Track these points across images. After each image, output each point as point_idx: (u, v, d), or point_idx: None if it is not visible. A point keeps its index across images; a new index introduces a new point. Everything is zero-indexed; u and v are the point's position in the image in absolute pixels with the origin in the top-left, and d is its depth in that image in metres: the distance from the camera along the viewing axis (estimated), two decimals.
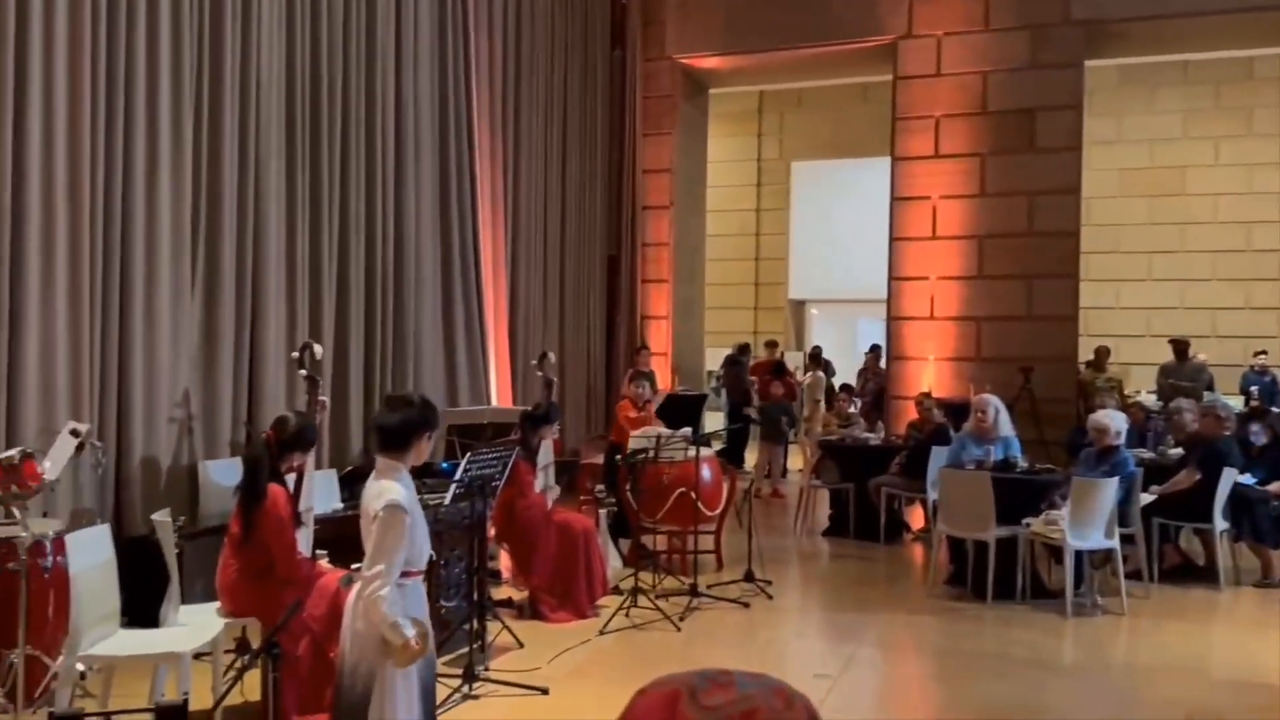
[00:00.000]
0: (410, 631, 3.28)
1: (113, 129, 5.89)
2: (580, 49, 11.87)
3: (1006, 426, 7.42)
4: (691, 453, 6.95)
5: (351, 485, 6.57)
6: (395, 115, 8.41)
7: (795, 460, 12.44)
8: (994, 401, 7.44)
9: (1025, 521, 6.78)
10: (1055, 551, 6.94)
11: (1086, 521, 6.55)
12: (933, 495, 8.10)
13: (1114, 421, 7.11)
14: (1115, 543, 6.67)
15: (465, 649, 5.09)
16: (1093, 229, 14.24)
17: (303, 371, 5.15)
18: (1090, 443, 7.22)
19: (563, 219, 11.51)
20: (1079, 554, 6.62)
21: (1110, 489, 6.60)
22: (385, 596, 3.23)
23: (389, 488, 3.35)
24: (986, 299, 11.31)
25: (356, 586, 3.46)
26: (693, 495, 6.98)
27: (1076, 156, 11.12)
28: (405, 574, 3.41)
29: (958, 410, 9.21)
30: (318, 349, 5.22)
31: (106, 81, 5.85)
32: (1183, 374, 11.68)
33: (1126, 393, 12.09)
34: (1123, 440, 7.10)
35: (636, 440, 7.15)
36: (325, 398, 5.09)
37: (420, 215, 8.72)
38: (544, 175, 11.12)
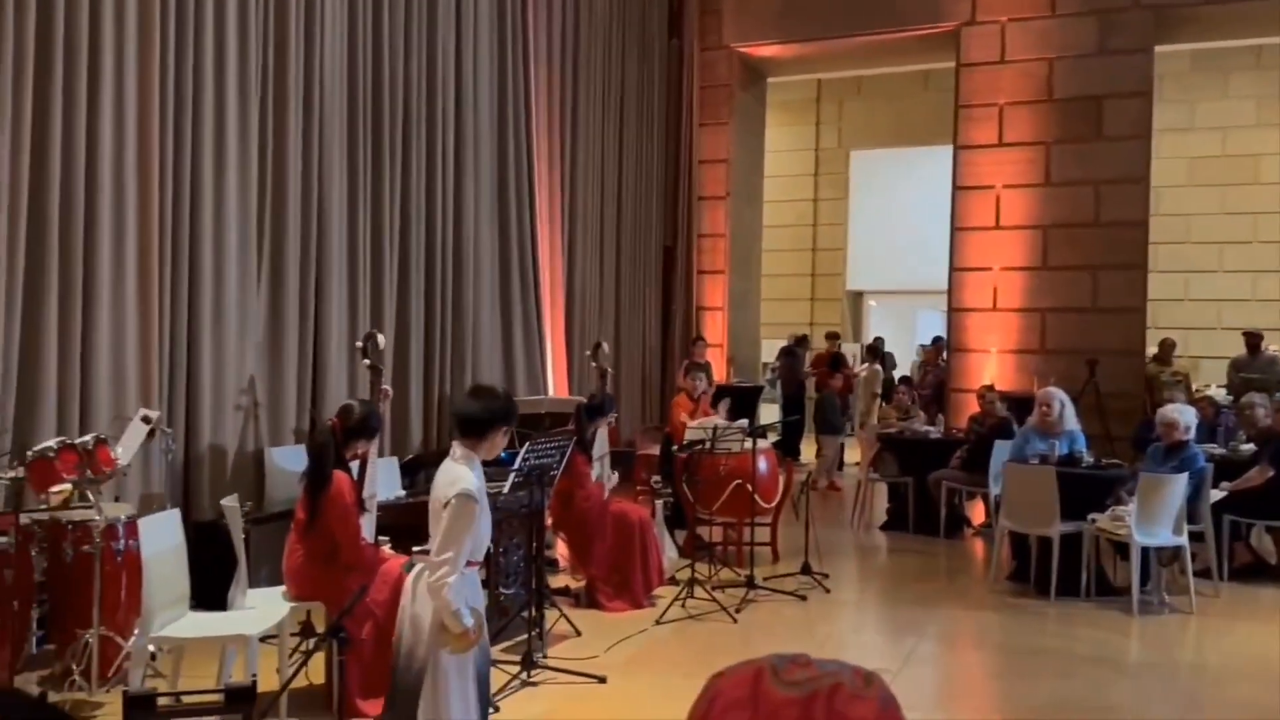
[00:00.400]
0: (469, 621, 3.33)
1: (181, 126, 6.04)
2: (637, 39, 11.88)
3: (1072, 420, 7.30)
4: (748, 444, 6.94)
5: (412, 473, 6.69)
6: (455, 108, 8.50)
7: (852, 453, 12.37)
8: (1059, 395, 7.33)
9: (1090, 517, 6.68)
10: (1121, 548, 6.82)
11: (1154, 518, 6.43)
12: (994, 490, 8.01)
13: (1183, 416, 6.96)
14: (1184, 540, 6.54)
15: (524, 636, 5.15)
16: (1161, 219, 13.92)
17: (366, 361, 5.24)
18: (1158, 437, 7.08)
19: (619, 210, 11.54)
20: (1146, 551, 6.51)
21: (1179, 485, 6.47)
22: (452, 584, 3.28)
23: (463, 475, 3.40)
24: (1051, 290, 11.13)
25: (415, 571, 3.52)
26: (749, 487, 6.97)
27: (1145, 145, 10.88)
28: (466, 563, 3.46)
29: (1021, 403, 9.08)
30: (381, 339, 5.31)
31: (175, 80, 5.99)
32: (1254, 367, 11.38)
33: (1195, 386, 11.82)
34: (1192, 435, 6.95)
35: (693, 431, 7.17)
36: (388, 386, 5.17)
37: (479, 207, 8.80)
38: (600, 166, 11.15)
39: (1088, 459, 7.13)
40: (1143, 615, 6.35)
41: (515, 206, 9.36)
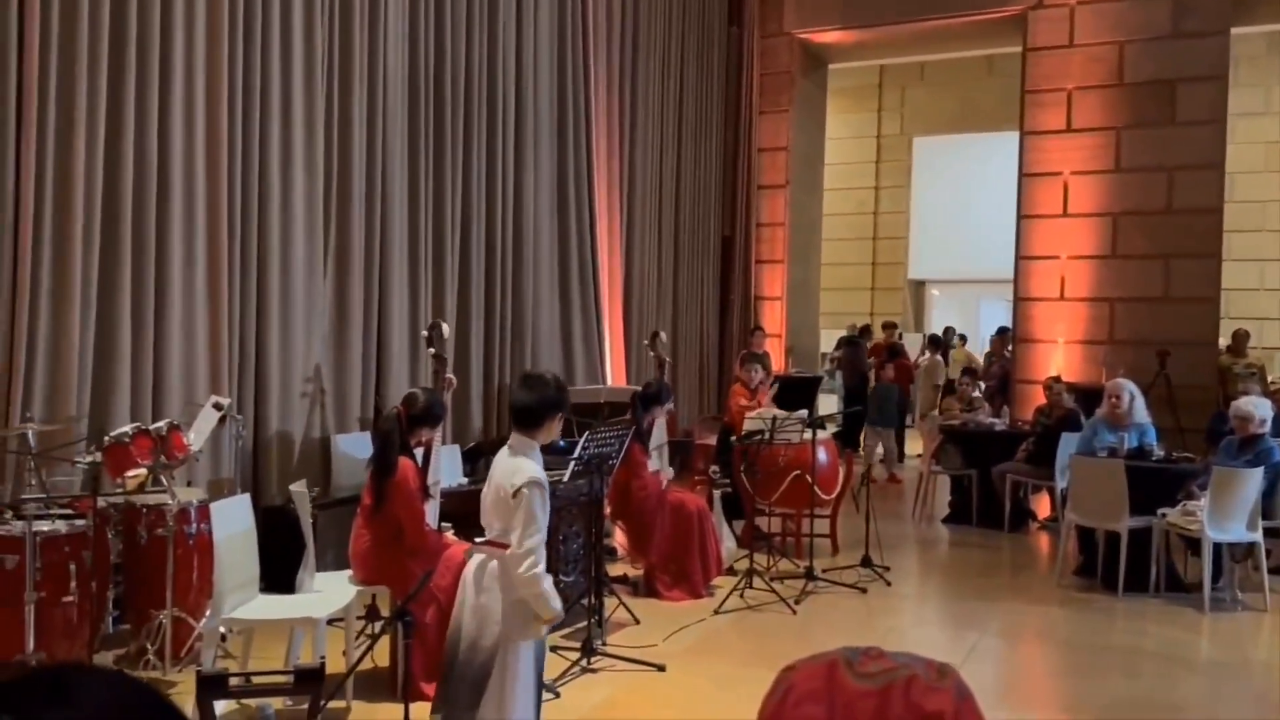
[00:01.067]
0: (559, 605, 3.40)
1: (249, 122, 6.17)
2: (697, 27, 11.85)
3: (1141, 413, 7.18)
4: (807, 435, 6.92)
5: (473, 461, 6.77)
6: (515, 99, 8.56)
7: (913, 445, 12.26)
8: (1128, 386, 7.20)
9: (1160, 512, 6.56)
10: (1192, 544, 6.70)
11: (1227, 513, 6.30)
12: (1061, 483, 7.89)
13: (1258, 409, 6.80)
14: (1258, 536, 6.40)
15: (583, 623, 5.21)
16: (1236, 206, 13.56)
17: (431, 350, 5.31)
18: (1231, 431, 6.93)
19: (677, 199, 11.54)
20: (1218, 547, 6.38)
21: (1253, 479, 6.33)
22: (540, 572, 3.33)
23: (526, 465, 3.45)
24: (1121, 279, 10.91)
25: (476, 562, 3.57)
26: (808, 478, 6.96)
27: (1220, 129, 10.60)
28: None
29: (1088, 395, 8.94)
30: (445, 328, 5.38)
31: (244, 76, 6.13)
32: None
33: (1270, 378, 11.52)
34: (1268, 429, 6.79)
35: (751, 422, 7.16)
36: (452, 375, 5.25)
37: (539, 197, 8.87)
38: (659, 155, 11.16)
39: (1158, 452, 7.01)
40: (1214, 613, 6.23)
41: (574, 196, 9.41)
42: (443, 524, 4.98)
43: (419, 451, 4.80)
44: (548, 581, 3.36)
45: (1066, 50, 11.14)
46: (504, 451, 3.57)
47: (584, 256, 9.57)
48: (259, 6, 6.22)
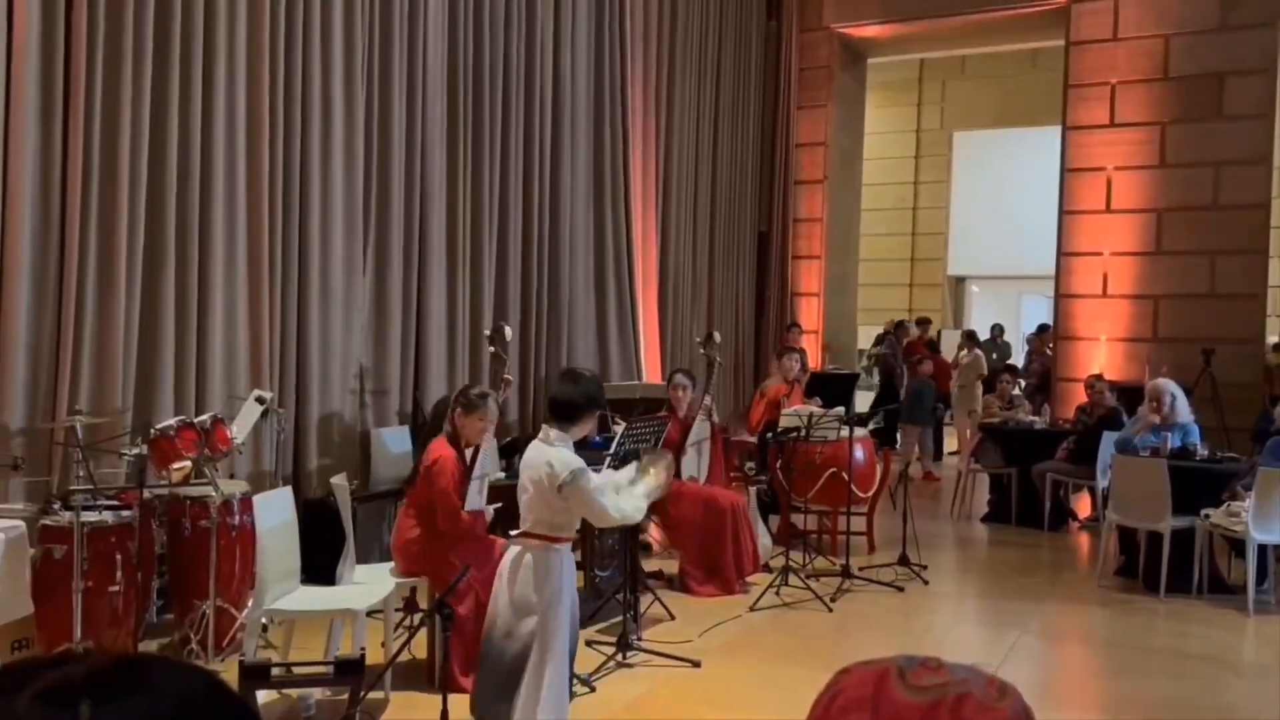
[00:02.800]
0: (644, 489, 3.63)
1: (290, 118, 6.26)
2: (735, 21, 11.83)
3: (1185, 412, 7.09)
4: (844, 432, 6.90)
5: (510, 455, 6.82)
6: (553, 94, 8.60)
7: (950, 442, 12.18)
8: (1170, 387, 7.10)
9: (1204, 512, 6.48)
10: (1236, 545, 6.61)
11: (1272, 513, 6.21)
12: (1102, 482, 7.82)
13: None
14: None
15: (618, 618, 5.24)
16: None
17: (492, 349, 5.35)
18: (1278, 430, 6.82)
19: (713, 194, 11.53)
20: (1263, 548, 6.29)
21: None
22: (626, 510, 3.59)
23: (565, 456, 3.50)
24: (1165, 276, 10.77)
25: (512, 552, 3.61)
26: (845, 476, 6.94)
27: (1268, 124, 10.42)
28: (556, 539, 3.55)
29: (1131, 394, 8.83)
30: (508, 331, 5.42)
31: (285, 77, 6.22)
32: None
33: None
34: None
35: (787, 419, 7.15)
36: (510, 375, 5.29)
37: (575, 192, 8.90)
38: (696, 150, 11.15)
39: (1202, 452, 6.92)
40: (1259, 615, 6.15)
41: (611, 191, 9.43)
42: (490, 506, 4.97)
43: (469, 451, 4.85)
44: (631, 497, 3.59)
45: (1111, 44, 11.00)
46: (536, 443, 3.61)
47: (619, 251, 9.59)
48: (300, 5, 6.30)
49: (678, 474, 6.55)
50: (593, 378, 3.72)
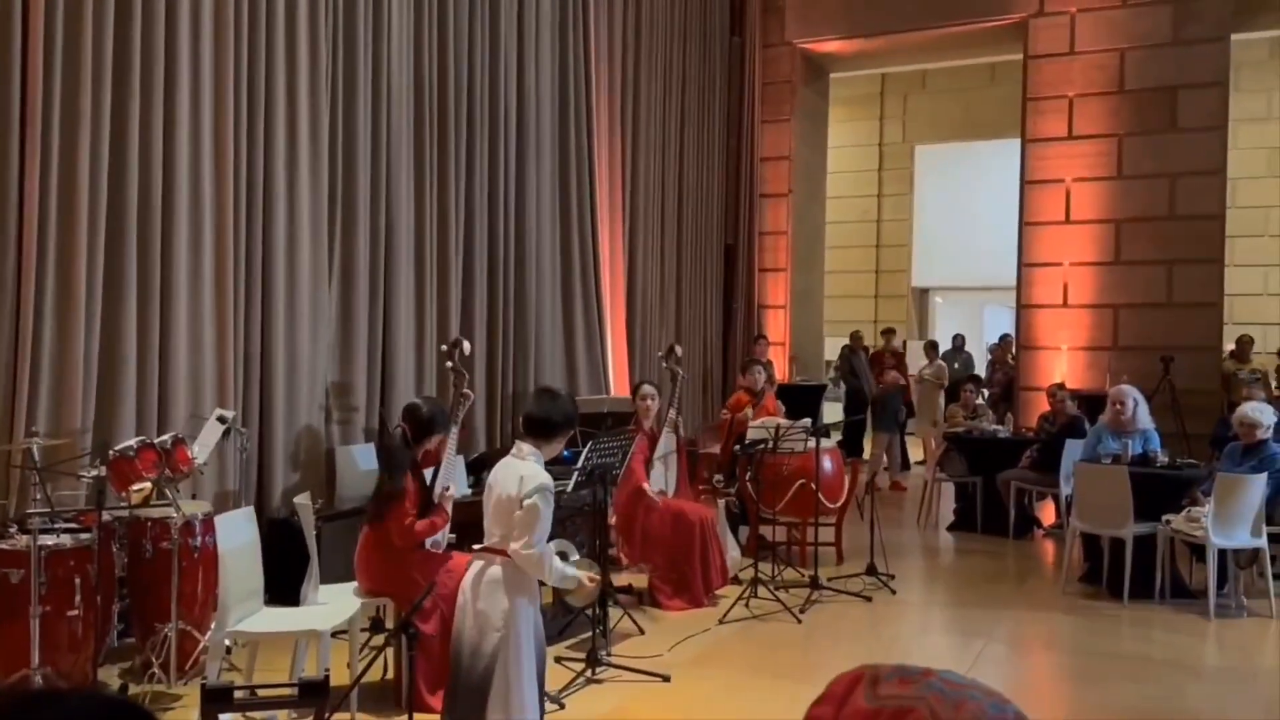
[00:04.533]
0: (574, 572, 3.67)
1: (254, 131, 6.19)
2: (699, 37, 11.87)
3: (1145, 419, 7.16)
4: (811, 444, 6.90)
5: (478, 471, 6.76)
6: (518, 110, 8.57)
7: (915, 451, 12.23)
8: (1132, 392, 7.18)
9: (1165, 518, 6.54)
10: (1197, 550, 6.67)
11: (1231, 519, 6.27)
12: (1066, 490, 7.87)
13: (1263, 416, 6.77)
14: (1263, 542, 6.37)
15: (588, 634, 5.19)
16: (1239, 211, 13.54)
17: (449, 364, 5.29)
18: (1235, 436, 6.90)
19: (680, 208, 11.54)
20: (1223, 553, 6.36)
21: (1257, 485, 6.31)
22: (545, 559, 3.51)
23: (536, 471, 3.48)
24: (1124, 285, 10.89)
25: (475, 567, 3.58)
26: (813, 486, 6.94)
27: (1222, 135, 10.59)
28: None
29: (1092, 402, 8.92)
30: (466, 345, 5.36)
31: (249, 88, 6.15)
32: None
33: (1275, 383, 11.48)
34: (1271, 434, 6.77)
35: (755, 430, 7.15)
36: (469, 391, 5.23)
37: (540, 207, 8.87)
38: (662, 165, 11.16)
39: (1162, 458, 6.99)
40: (1220, 619, 6.20)
41: (577, 206, 9.41)
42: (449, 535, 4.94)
43: (430, 471, 4.79)
44: (553, 562, 3.56)
45: (1067, 58, 11.14)
46: (509, 459, 3.58)
47: (586, 266, 9.57)
48: (263, 19, 6.24)
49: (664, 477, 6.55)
50: (569, 396, 3.75)
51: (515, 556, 3.49)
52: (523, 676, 3.50)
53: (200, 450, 5.07)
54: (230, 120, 5.95)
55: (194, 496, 5.38)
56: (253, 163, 6.18)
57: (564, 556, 3.94)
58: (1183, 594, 6.64)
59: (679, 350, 7.28)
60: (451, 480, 4.89)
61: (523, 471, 3.48)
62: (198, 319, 5.79)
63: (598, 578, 3.83)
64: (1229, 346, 11.31)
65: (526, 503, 3.42)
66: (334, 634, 4.51)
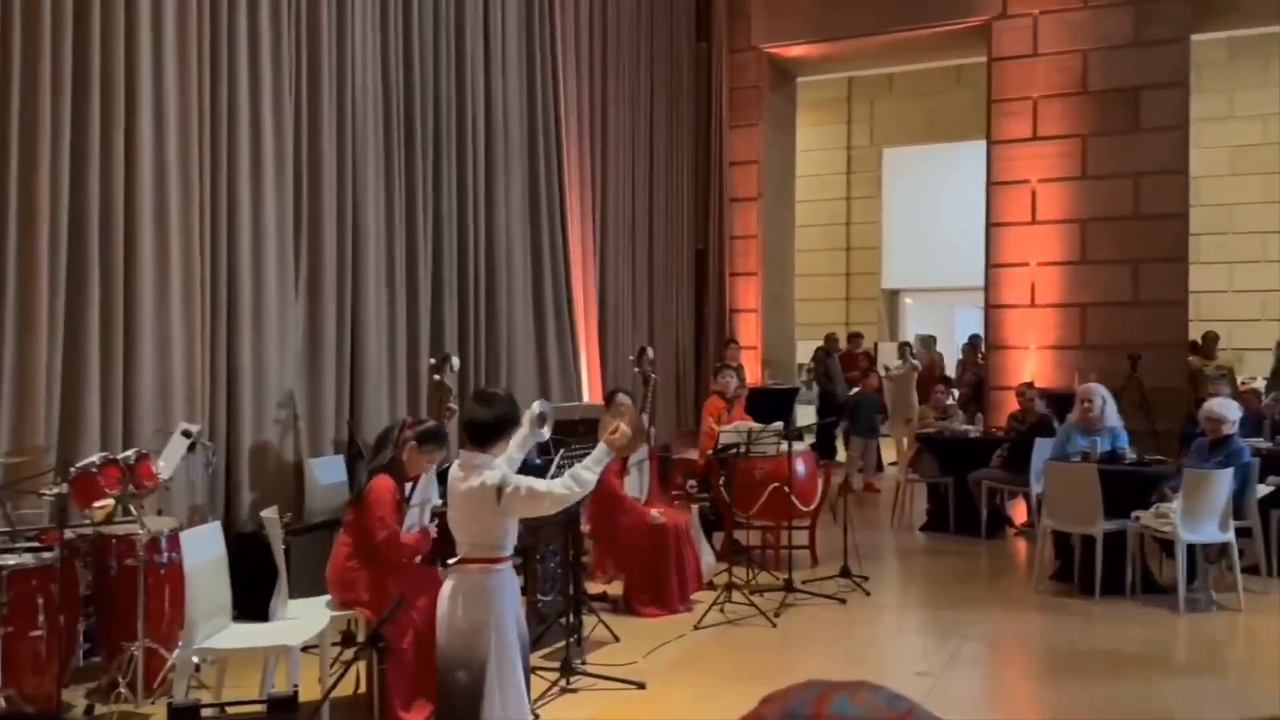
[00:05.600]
0: (598, 453, 3.53)
1: (218, 142, 6.13)
2: (666, 43, 11.88)
3: (1114, 417, 7.22)
4: (784, 447, 6.91)
5: (446, 483, 6.73)
6: (485, 117, 8.54)
7: (889, 453, 12.28)
8: (1100, 390, 7.24)
9: (1134, 515, 6.59)
10: (1166, 545, 6.72)
11: (1199, 514, 6.33)
12: (1036, 489, 7.92)
13: (1228, 411, 6.85)
14: (1230, 536, 6.44)
15: (562, 643, 5.16)
16: (1203, 209, 13.71)
17: (437, 377, 5.26)
18: (1202, 432, 6.98)
19: (650, 214, 11.54)
20: (1192, 548, 6.41)
21: (1224, 480, 6.37)
22: (572, 486, 3.45)
23: (490, 471, 3.43)
24: (1090, 284, 10.99)
25: (452, 580, 3.54)
26: (786, 490, 6.94)
27: (1184, 135, 10.71)
28: (495, 560, 3.49)
29: (1061, 400, 8.98)
30: (455, 361, 5.33)
31: (211, 95, 6.09)
32: None
33: (1241, 379, 11.62)
34: (1237, 429, 6.84)
35: (727, 435, 7.14)
36: (454, 405, 5.20)
37: (510, 214, 8.84)
38: (631, 171, 11.16)
39: (1131, 455, 7.04)
40: (1190, 613, 6.26)
41: (547, 213, 9.39)
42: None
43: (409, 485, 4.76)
44: (589, 470, 3.48)
45: (1031, 59, 11.24)
46: (455, 470, 3.54)
47: (557, 273, 9.55)
48: (225, 28, 6.19)
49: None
50: (506, 397, 3.67)
51: (554, 507, 3.51)
52: (519, 679, 3.50)
53: (165, 465, 5.01)
54: (195, 130, 5.88)
55: (160, 512, 5.31)
56: (217, 173, 6.12)
57: (542, 419, 3.71)
58: (1153, 589, 6.69)
59: (651, 353, 7.26)
60: (429, 495, 4.85)
61: (476, 479, 3.43)
62: (162, 332, 5.72)
63: (620, 421, 3.66)
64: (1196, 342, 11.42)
65: (507, 497, 3.38)
66: (304, 649, 4.47)
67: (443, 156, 8.02)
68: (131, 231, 5.60)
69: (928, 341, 13.62)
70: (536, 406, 3.71)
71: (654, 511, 6.55)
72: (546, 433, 3.70)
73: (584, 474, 3.48)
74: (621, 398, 6.67)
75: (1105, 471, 6.64)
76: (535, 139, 9.25)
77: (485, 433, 3.53)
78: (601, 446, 3.57)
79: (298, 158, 6.68)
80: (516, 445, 3.66)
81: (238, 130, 6.24)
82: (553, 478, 5.04)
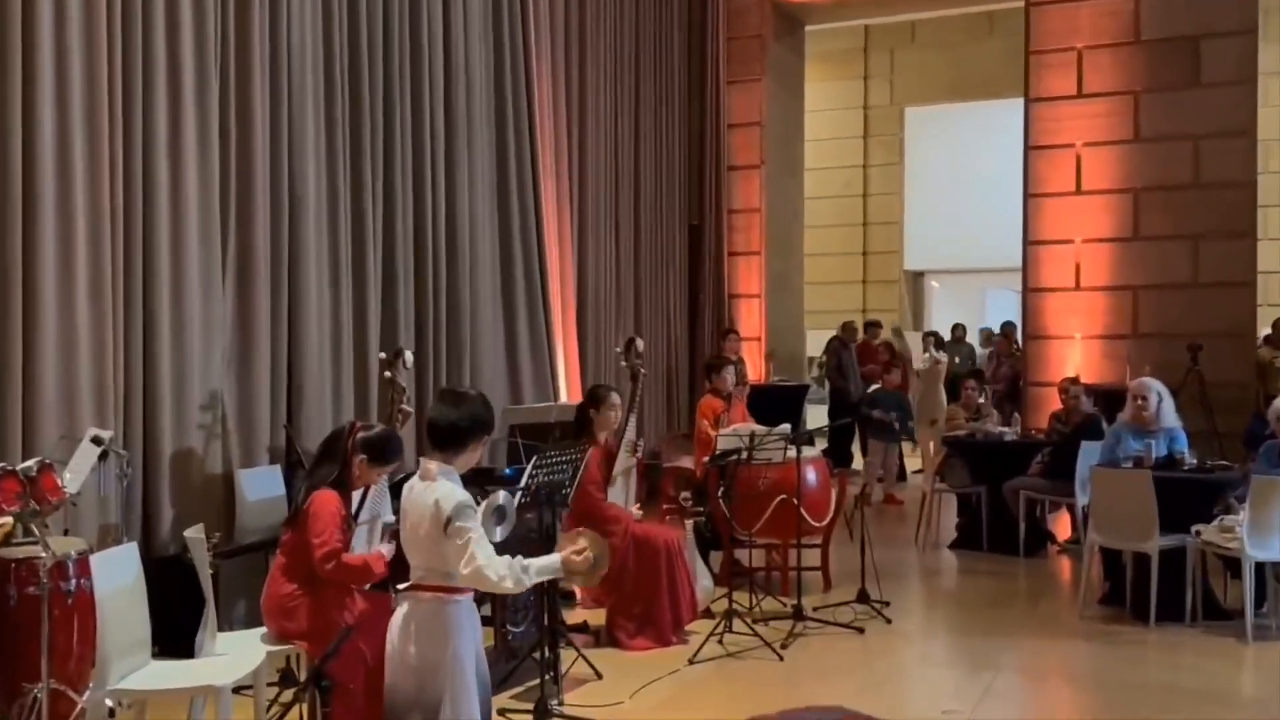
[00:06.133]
0: (546, 561, 3.55)
1: (131, 106, 6.07)
2: None
3: (1171, 416, 7.26)
4: (792, 453, 6.92)
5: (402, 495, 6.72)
6: (445, 76, 8.53)
7: (912, 460, 12.33)
8: (1155, 386, 7.28)
9: (1195, 529, 6.63)
10: (1231, 564, 6.77)
11: (1270, 527, 6.37)
12: (1082, 499, 7.96)
13: None
14: None
15: (536, 681, 5.17)
16: (1272, 177, 13.80)
17: (388, 374, 5.26)
18: (1272, 434, 7.02)
19: (636, 185, 11.55)
20: (1260, 567, 6.45)
21: None
22: (505, 574, 3.40)
23: (451, 490, 3.43)
24: (1143, 264, 11.05)
25: (403, 609, 3.54)
26: (795, 502, 6.96)
27: (1250, 91, 10.77)
28: (452, 590, 3.48)
29: (1110, 398, 9.02)
30: (409, 356, 5.31)
31: (124, 52, 6.03)
32: None
33: None
34: None
35: (726, 440, 7.15)
36: (409, 407, 5.19)
37: (475, 186, 8.84)
38: (614, 136, 11.16)
39: (1190, 460, 7.09)
40: (1259, 642, 6.30)
41: (517, 185, 9.39)
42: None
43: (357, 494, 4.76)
44: (512, 570, 3.42)
45: (1075, 4, 11.29)
46: (416, 481, 3.53)
47: (530, 255, 9.54)
48: None
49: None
50: (477, 397, 3.64)
51: (465, 582, 3.45)
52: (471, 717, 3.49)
53: (72, 478, 4.99)
54: (104, 94, 5.83)
55: (66, 532, 5.28)
56: (130, 148, 6.06)
57: (501, 514, 3.69)
58: (1216, 615, 6.73)
59: (640, 344, 7.27)
60: (379, 510, 4.84)
61: (435, 494, 3.43)
62: (67, 324, 5.68)
63: (583, 543, 3.65)
64: (1264, 331, 11.50)
65: (452, 530, 3.37)
66: (236, 689, 4.46)
67: (395, 122, 8.00)
68: (31, 210, 5.56)
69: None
70: (497, 498, 3.69)
71: (633, 509, 6.55)
72: (500, 533, 3.65)
73: (523, 576, 3.46)
74: (612, 396, 6.63)
75: (1161, 479, 6.67)
76: (503, 99, 9.24)
77: (451, 437, 3.52)
78: (555, 561, 3.58)
79: (224, 123, 6.64)
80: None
81: (154, 93, 6.20)
82: (522, 489, 5.08)
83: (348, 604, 4.51)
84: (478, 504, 3.51)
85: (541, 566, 3.54)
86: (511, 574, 3.42)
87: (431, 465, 3.50)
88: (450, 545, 3.38)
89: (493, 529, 3.62)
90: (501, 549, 3.58)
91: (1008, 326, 13.09)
